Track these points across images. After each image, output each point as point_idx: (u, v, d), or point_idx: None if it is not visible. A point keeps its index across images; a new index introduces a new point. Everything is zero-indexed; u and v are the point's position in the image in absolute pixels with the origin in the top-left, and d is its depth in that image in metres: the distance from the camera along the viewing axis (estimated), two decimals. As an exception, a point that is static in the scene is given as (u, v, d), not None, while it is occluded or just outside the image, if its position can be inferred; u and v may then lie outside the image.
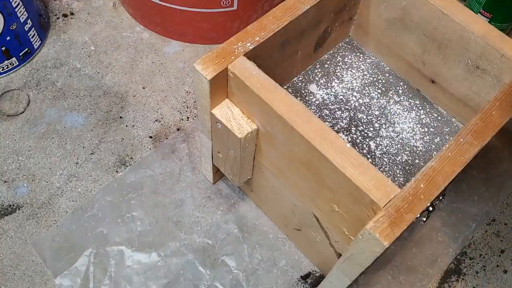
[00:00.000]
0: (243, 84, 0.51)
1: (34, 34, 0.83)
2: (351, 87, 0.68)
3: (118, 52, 0.87)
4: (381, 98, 0.68)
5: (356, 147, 0.63)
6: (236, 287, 0.67)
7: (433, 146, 0.63)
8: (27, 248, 0.68)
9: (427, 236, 0.72)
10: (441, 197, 0.48)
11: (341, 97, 0.67)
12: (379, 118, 0.66)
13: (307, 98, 0.67)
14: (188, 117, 0.81)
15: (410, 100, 0.68)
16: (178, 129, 0.79)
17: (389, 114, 0.66)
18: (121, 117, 0.80)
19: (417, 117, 0.67)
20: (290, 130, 0.49)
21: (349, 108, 0.67)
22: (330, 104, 0.67)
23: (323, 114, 0.66)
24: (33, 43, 0.84)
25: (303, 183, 0.54)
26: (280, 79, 0.61)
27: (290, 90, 0.68)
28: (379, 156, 0.63)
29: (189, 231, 0.70)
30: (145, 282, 0.66)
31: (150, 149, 0.77)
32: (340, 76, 0.69)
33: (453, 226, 0.73)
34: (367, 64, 0.70)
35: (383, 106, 0.67)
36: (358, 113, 0.66)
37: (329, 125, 0.58)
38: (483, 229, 0.74)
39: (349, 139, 0.64)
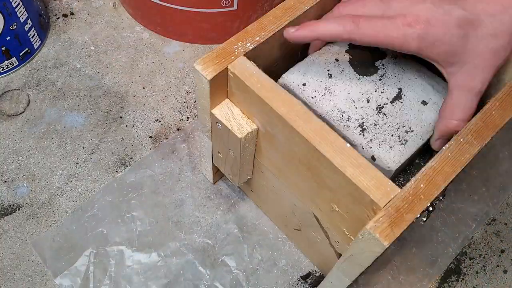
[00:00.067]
0: (243, 84, 0.51)
1: (34, 34, 0.83)
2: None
3: (118, 52, 0.87)
4: (381, 98, 0.68)
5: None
6: (236, 287, 0.67)
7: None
8: (27, 248, 0.68)
9: (427, 236, 0.72)
10: (441, 197, 0.48)
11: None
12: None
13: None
14: (188, 117, 0.81)
15: (410, 100, 0.68)
16: (178, 129, 0.79)
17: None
18: (121, 117, 0.80)
19: (417, 117, 0.67)
20: (290, 130, 0.49)
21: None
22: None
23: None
24: (33, 43, 0.84)
25: (303, 183, 0.55)
26: (280, 79, 0.61)
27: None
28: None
29: (189, 231, 0.70)
30: (145, 282, 0.66)
31: (150, 149, 0.77)
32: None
33: (453, 226, 0.73)
34: (367, 64, 0.70)
35: (383, 106, 0.67)
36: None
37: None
38: (483, 229, 0.74)
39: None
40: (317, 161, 0.48)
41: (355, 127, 0.55)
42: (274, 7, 0.56)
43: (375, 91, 0.58)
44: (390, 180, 0.45)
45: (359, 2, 0.52)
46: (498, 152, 0.80)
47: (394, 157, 0.54)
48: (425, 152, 0.61)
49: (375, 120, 0.56)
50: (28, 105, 0.81)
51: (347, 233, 0.53)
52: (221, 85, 0.53)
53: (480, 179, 0.77)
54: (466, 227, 0.73)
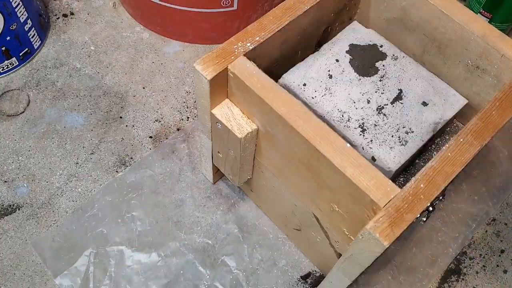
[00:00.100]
0: (243, 84, 0.51)
1: (34, 34, 0.83)
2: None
3: (118, 52, 0.87)
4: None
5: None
6: (236, 287, 0.67)
7: (433, 146, 0.63)
8: (27, 248, 0.68)
9: (427, 236, 0.72)
10: (441, 197, 0.48)
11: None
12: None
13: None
14: (188, 117, 0.81)
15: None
16: (178, 129, 0.79)
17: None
18: (121, 117, 0.80)
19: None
20: (290, 130, 0.49)
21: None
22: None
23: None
24: (33, 43, 0.84)
25: (303, 183, 0.55)
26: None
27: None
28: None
29: (189, 231, 0.70)
30: (145, 282, 0.66)
31: (150, 149, 0.77)
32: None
33: (453, 226, 0.73)
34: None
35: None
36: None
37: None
38: (483, 229, 0.74)
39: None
40: (317, 161, 0.48)
41: (355, 128, 0.55)
42: (274, 7, 0.56)
43: (376, 92, 0.58)
44: (390, 180, 0.45)
45: None
46: (498, 152, 0.80)
47: (394, 158, 0.54)
48: (425, 152, 0.61)
49: (375, 121, 0.56)
50: (28, 105, 0.81)
51: (347, 233, 0.52)
52: (221, 85, 0.53)
53: (480, 179, 0.77)
54: (466, 227, 0.73)
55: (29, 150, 0.76)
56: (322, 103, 0.56)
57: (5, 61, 0.81)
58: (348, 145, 0.47)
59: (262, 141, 0.57)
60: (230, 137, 0.56)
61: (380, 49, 0.62)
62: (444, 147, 0.48)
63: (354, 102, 0.56)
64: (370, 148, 0.54)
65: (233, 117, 0.55)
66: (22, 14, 0.79)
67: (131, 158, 0.76)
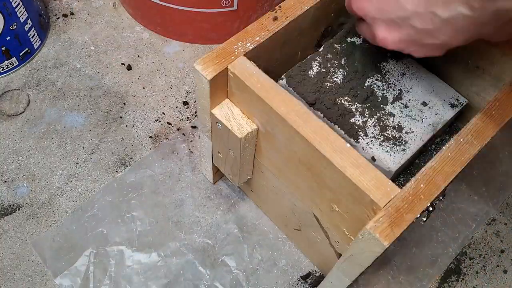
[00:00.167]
0: (243, 84, 0.51)
1: (34, 34, 0.83)
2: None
3: (118, 52, 0.87)
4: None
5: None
6: (236, 287, 0.67)
7: (433, 146, 0.63)
8: (27, 248, 0.68)
9: (427, 236, 0.72)
10: (441, 197, 0.48)
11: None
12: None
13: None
14: (188, 117, 0.81)
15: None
16: (178, 129, 0.79)
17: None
18: (121, 117, 0.80)
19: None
20: (290, 130, 0.49)
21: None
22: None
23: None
24: (33, 43, 0.84)
25: (303, 183, 0.55)
26: (280, 79, 0.61)
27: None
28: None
29: (189, 231, 0.70)
30: (145, 282, 0.66)
31: (150, 149, 0.77)
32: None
33: (453, 226, 0.73)
34: (367, 64, 0.70)
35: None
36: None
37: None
38: (483, 229, 0.74)
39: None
40: (317, 161, 0.48)
41: (355, 127, 0.55)
42: (274, 7, 0.56)
43: (376, 92, 0.58)
44: (390, 180, 0.45)
45: None
46: (498, 152, 0.80)
47: (394, 158, 0.54)
48: (425, 152, 0.61)
49: (375, 121, 0.56)
50: (28, 105, 0.81)
51: (347, 233, 0.52)
52: (221, 85, 0.53)
53: (480, 179, 0.77)
54: (466, 227, 0.73)
55: (29, 150, 0.76)
56: (323, 102, 0.56)
57: (5, 61, 0.81)
58: (348, 145, 0.47)
59: (262, 141, 0.57)
60: (230, 137, 0.56)
61: (380, 49, 0.62)
62: (444, 147, 0.48)
63: (355, 102, 0.56)
64: (370, 148, 0.54)
65: (233, 117, 0.55)
66: (22, 14, 0.79)
67: (131, 158, 0.76)
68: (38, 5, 0.85)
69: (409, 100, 0.58)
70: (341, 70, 0.59)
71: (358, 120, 0.55)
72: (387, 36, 0.48)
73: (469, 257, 0.72)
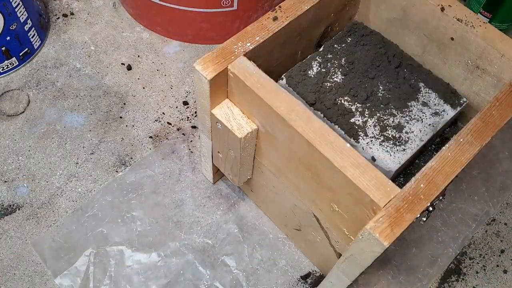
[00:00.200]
0: (243, 84, 0.51)
1: (34, 34, 0.83)
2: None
3: (118, 52, 0.87)
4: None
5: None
6: (236, 287, 0.67)
7: (433, 146, 0.63)
8: (27, 248, 0.68)
9: (427, 236, 0.72)
10: (441, 197, 0.48)
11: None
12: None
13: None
14: (188, 117, 0.81)
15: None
16: (178, 129, 0.79)
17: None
18: (121, 117, 0.80)
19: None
20: (290, 130, 0.49)
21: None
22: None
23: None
24: (33, 43, 0.84)
25: (303, 183, 0.55)
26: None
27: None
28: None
29: (189, 231, 0.70)
30: (145, 282, 0.66)
31: (150, 149, 0.77)
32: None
33: (453, 226, 0.73)
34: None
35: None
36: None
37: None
38: (483, 229, 0.74)
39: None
40: (317, 161, 0.48)
41: (355, 127, 0.55)
42: (274, 7, 0.56)
43: (376, 92, 0.58)
44: (390, 180, 0.45)
45: None
46: (498, 152, 0.80)
47: (394, 158, 0.54)
48: (425, 152, 0.61)
49: (375, 121, 0.56)
50: (28, 105, 0.81)
51: (347, 233, 0.52)
52: (221, 85, 0.53)
53: (480, 179, 0.77)
54: (466, 227, 0.73)
55: (29, 150, 0.76)
56: (323, 102, 0.56)
57: (5, 61, 0.81)
58: (348, 145, 0.47)
59: (262, 141, 0.57)
60: (230, 137, 0.56)
61: (381, 49, 0.62)
62: (444, 147, 0.48)
63: (355, 102, 0.56)
64: (370, 148, 0.54)
65: (233, 117, 0.55)
66: (22, 14, 0.79)
67: (131, 158, 0.76)
68: (38, 5, 0.85)
69: (409, 100, 0.58)
70: (341, 70, 0.59)
71: (358, 120, 0.55)
72: None
73: (469, 257, 0.72)
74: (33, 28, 0.83)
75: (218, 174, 0.73)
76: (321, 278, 0.68)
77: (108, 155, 0.76)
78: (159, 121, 0.80)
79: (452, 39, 0.59)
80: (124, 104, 0.82)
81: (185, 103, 0.82)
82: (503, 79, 0.57)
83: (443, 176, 0.46)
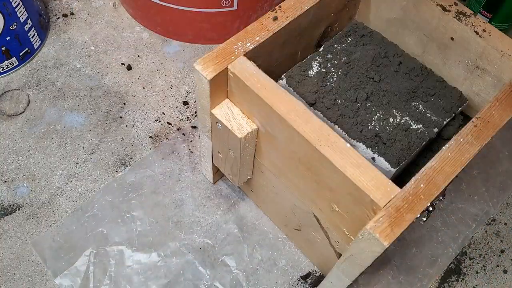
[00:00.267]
0: (243, 84, 0.51)
1: (34, 34, 0.83)
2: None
3: (118, 52, 0.87)
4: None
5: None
6: (236, 287, 0.67)
7: (433, 146, 0.63)
8: (27, 248, 0.68)
9: (427, 236, 0.72)
10: (441, 197, 0.48)
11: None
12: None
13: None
14: (188, 117, 0.81)
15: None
16: (178, 129, 0.79)
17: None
18: (121, 117, 0.80)
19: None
20: (290, 130, 0.49)
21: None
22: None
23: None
24: (33, 43, 0.84)
25: (303, 183, 0.54)
26: (280, 79, 0.61)
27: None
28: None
29: (189, 231, 0.70)
30: (145, 282, 0.66)
31: (150, 149, 0.77)
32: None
33: (453, 226, 0.73)
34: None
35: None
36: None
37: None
38: (483, 229, 0.74)
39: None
40: (317, 161, 0.48)
41: (355, 127, 0.55)
42: (274, 7, 0.56)
43: (377, 92, 0.58)
44: (390, 180, 0.45)
45: None
46: (498, 152, 0.80)
47: (394, 158, 0.54)
48: (426, 152, 0.61)
49: (376, 121, 0.56)
50: (28, 105, 0.81)
51: (347, 233, 0.52)
52: (221, 85, 0.53)
53: (480, 179, 0.77)
54: (466, 227, 0.73)
55: (29, 150, 0.76)
56: (323, 101, 0.56)
57: (5, 61, 0.81)
58: (348, 145, 0.47)
59: (262, 141, 0.57)
60: (230, 137, 0.56)
61: (381, 49, 0.62)
62: (444, 147, 0.48)
63: (356, 102, 0.56)
64: (370, 148, 0.54)
65: (233, 117, 0.55)
66: (22, 14, 0.79)
67: (131, 158, 0.76)
68: (38, 5, 0.85)
69: (410, 100, 0.58)
70: (341, 70, 0.59)
71: (358, 120, 0.55)
72: None
73: (469, 257, 0.72)
74: (33, 28, 0.83)
75: (218, 174, 0.73)
76: (321, 278, 0.68)
77: (108, 155, 0.76)
78: (159, 121, 0.80)
79: (452, 39, 0.59)
80: (124, 104, 0.81)
81: (185, 103, 0.82)
82: (503, 79, 0.57)
83: (443, 176, 0.46)
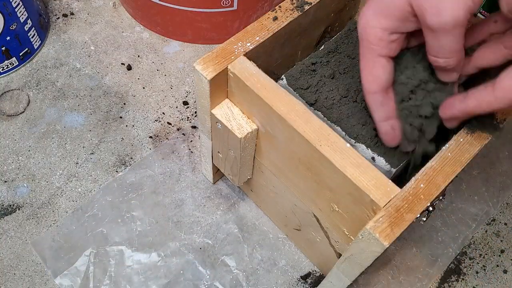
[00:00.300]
0: (243, 84, 0.51)
1: (34, 34, 0.83)
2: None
3: (118, 52, 0.87)
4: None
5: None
6: (236, 287, 0.67)
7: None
8: (27, 248, 0.68)
9: (427, 236, 0.72)
10: (441, 197, 0.48)
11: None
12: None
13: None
14: (188, 117, 0.81)
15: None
16: (178, 129, 0.79)
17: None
18: (121, 117, 0.80)
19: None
20: (290, 130, 0.49)
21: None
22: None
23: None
24: (33, 43, 0.84)
25: (303, 183, 0.55)
26: (280, 79, 0.61)
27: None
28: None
29: (189, 231, 0.70)
30: (145, 282, 0.66)
31: (150, 149, 0.77)
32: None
33: (453, 226, 0.73)
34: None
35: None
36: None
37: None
38: (483, 229, 0.74)
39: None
40: (317, 161, 0.48)
41: (355, 127, 0.55)
42: (274, 7, 0.56)
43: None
44: (390, 180, 0.45)
45: None
46: (498, 152, 0.80)
47: (395, 158, 0.54)
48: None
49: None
50: (28, 105, 0.81)
51: (347, 233, 0.52)
52: (221, 85, 0.53)
53: (480, 179, 0.77)
54: (466, 227, 0.73)
55: (29, 150, 0.76)
56: (323, 101, 0.56)
57: (5, 61, 0.81)
58: (348, 145, 0.47)
59: (262, 141, 0.57)
60: (230, 137, 0.56)
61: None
62: (444, 147, 0.48)
63: (354, 102, 0.56)
64: (370, 148, 0.54)
65: (233, 117, 0.55)
66: (22, 14, 0.79)
67: (131, 158, 0.76)
68: (38, 5, 0.85)
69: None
70: (341, 69, 0.59)
71: (358, 120, 0.55)
72: None
73: (469, 257, 0.72)
74: (33, 28, 0.83)
75: (218, 174, 0.73)
76: (321, 278, 0.68)
77: (108, 155, 0.76)
78: (159, 121, 0.80)
79: (452, 39, 0.59)
80: (124, 104, 0.82)
81: (185, 103, 0.82)
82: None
83: (443, 176, 0.46)
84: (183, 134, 0.79)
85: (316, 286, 0.65)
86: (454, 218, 0.74)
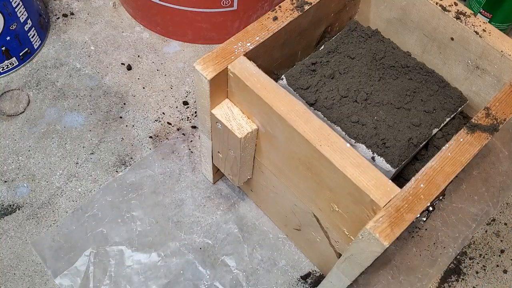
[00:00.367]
0: (243, 84, 0.51)
1: (34, 34, 0.83)
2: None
3: (118, 52, 0.87)
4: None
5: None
6: (236, 287, 0.67)
7: (434, 146, 0.63)
8: (27, 248, 0.68)
9: (427, 236, 0.72)
10: (441, 197, 0.48)
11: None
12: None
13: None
14: (188, 117, 0.81)
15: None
16: (178, 129, 0.79)
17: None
18: (121, 117, 0.80)
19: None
20: (290, 130, 0.49)
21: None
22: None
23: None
24: (33, 43, 0.84)
25: (303, 183, 0.55)
26: (280, 79, 0.61)
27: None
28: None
29: (189, 231, 0.70)
30: (145, 282, 0.66)
31: (150, 149, 0.77)
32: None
33: (453, 226, 0.73)
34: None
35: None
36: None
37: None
38: (483, 229, 0.74)
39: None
40: (317, 161, 0.48)
41: (355, 127, 0.55)
42: (274, 7, 0.56)
43: (377, 91, 0.58)
44: (390, 180, 0.45)
45: None
46: (498, 152, 0.80)
47: (395, 158, 0.54)
48: (426, 152, 0.61)
49: (376, 120, 0.56)
50: (28, 105, 0.81)
51: (347, 233, 0.52)
52: (221, 85, 0.53)
53: (480, 179, 0.77)
54: (466, 227, 0.73)
55: (29, 150, 0.76)
56: (322, 103, 0.56)
57: (5, 61, 0.81)
58: (348, 145, 0.47)
59: (262, 141, 0.57)
60: (230, 137, 0.56)
61: (380, 49, 0.62)
62: (444, 147, 0.48)
63: (356, 102, 0.56)
64: (370, 148, 0.54)
65: (233, 117, 0.55)
66: (22, 14, 0.79)
67: (131, 158, 0.76)
68: (38, 5, 0.85)
69: (410, 99, 0.58)
70: (341, 69, 0.59)
71: (358, 120, 0.55)
72: None
73: (469, 257, 0.72)
74: (33, 28, 0.83)
75: (218, 174, 0.73)
76: (321, 278, 0.68)
77: (108, 155, 0.76)
78: (159, 121, 0.80)
79: (452, 39, 0.59)
80: (124, 104, 0.82)
81: (185, 103, 0.82)
82: (503, 79, 0.57)
83: (443, 176, 0.46)
84: (183, 134, 0.79)
85: (316, 286, 0.65)
86: (454, 218, 0.74)
